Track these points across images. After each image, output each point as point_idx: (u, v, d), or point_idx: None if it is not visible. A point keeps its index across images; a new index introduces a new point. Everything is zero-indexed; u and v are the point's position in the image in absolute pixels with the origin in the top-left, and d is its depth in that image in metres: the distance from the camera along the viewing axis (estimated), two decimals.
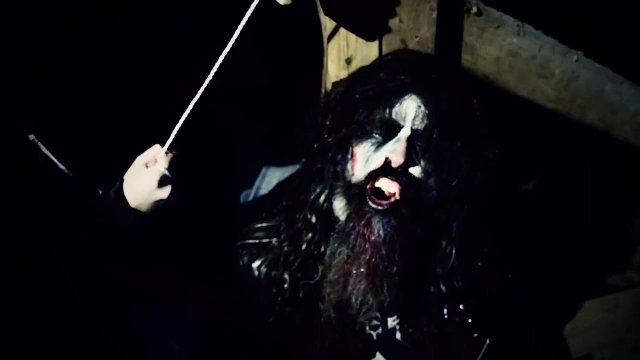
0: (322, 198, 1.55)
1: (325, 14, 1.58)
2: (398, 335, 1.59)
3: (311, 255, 1.57)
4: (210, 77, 1.42)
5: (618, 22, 2.19)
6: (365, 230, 1.41)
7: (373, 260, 1.41)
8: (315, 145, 1.56)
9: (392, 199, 1.41)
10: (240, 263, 1.69)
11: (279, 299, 1.60)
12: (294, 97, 1.76)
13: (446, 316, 1.57)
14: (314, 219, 1.56)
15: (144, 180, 1.45)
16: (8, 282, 1.49)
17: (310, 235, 1.56)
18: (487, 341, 1.61)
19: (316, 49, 1.69)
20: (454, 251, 1.51)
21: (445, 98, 1.44)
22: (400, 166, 1.41)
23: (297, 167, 1.73)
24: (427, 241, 1.50)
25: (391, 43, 1.61)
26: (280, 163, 2.02)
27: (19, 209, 1.49)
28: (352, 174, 1.48)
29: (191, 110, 1.43)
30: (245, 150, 2.08)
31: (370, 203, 1.41)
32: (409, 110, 1.44)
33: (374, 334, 1.59)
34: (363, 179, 1.45)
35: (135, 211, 1.46)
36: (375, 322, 1.59)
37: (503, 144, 1.52)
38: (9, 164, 1.52)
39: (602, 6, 2.16)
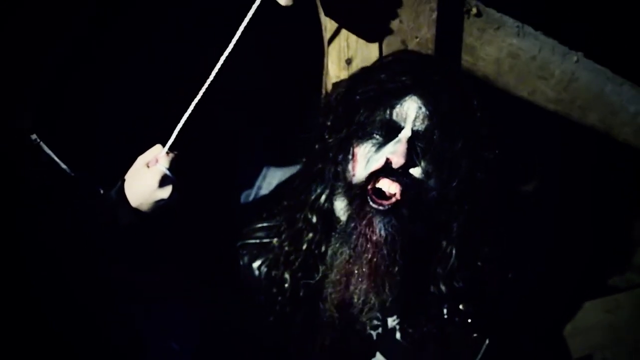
0: (323, 198, 1.56)
1: (326, 14, 1.58)
2: (398, 335, 1.59)
3: (312, 255, 1.57)
4: (211, 77, 1.42)
5: (618, 23, 2.20)
6: (367, 230, 1.41)
7: (375, 260, 1.41)
8: (316, 146, 1.56)
9: (393, 200, 1.41)
10: (241, 263, 1.69)
11: (280, 298, 1.60)
12: (295, 98, 1.76)
13: (446, 316, 1.57)
14: (314, 219, 1.56)
15: (145, 180, 1.45)
16: (9, 282, 1.49)
17: (311, 235, 1.57)
18: (487, 341, 1.61)
19: (317, 50, 1.70)
20: (454, 251, 1.52)
21: (445, 99, 1.45)
22: (401, 167, 1.42)
23: (297, 167, 1.73)
24: (427, 241, 1.51)
25: (391, 44, 1.62)
26: (281, 163, 2.02)
27: (20, 209, 1.49)
28: (353, 175, 1.48)
29: (192, 111, 1.44)
30: (246, 151, 2.08)
31: (371, 203, 1.41)
32: (410, 112, 1.44)
33: (374, 333, 1.59)
34: (364, 179, 1.45)
35: (136, 211, 1.46)
36: (375, 322, 1.59)
37: (503, 145, 1.52)
38: (10, 163, 1.52)
39: (601, 7, 2.16)
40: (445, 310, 1.57)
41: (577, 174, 2.35)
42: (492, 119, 1.51)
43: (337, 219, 1.54)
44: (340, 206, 1.53)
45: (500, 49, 1.71)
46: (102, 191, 1.57)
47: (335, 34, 1.60)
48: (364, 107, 1.48)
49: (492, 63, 1.73)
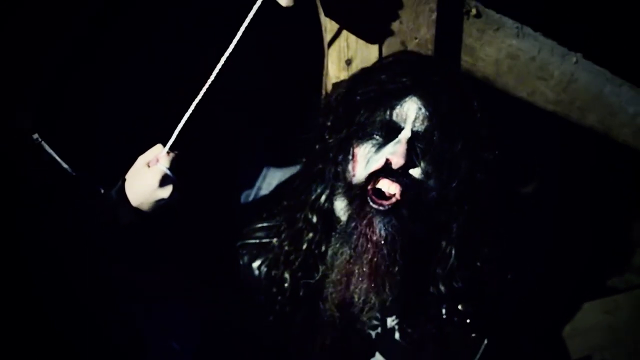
0: (323, 198, 1.56)
1: (326, 15, 1.58)
2: (397, 335, 1.59)
3: (312, 255, 1.57)
4: (212, 78, 1.42)
5: (617, 24, 2.20)
6: (368, 230, 1.41)
7: (375, 259, 1.41)
8: (317, 146, 1.57)
9: (393, 200, 1.41)
10: (241, 263, 1.69)
11: (280, 298, 1.60)
12: (295, 99, 1.77)
13: (445, 316, 1.58)
14: (314, 219, 1.56)
15: (146, 179, 1.45)
16: (10, 282, 1.49)
17: (311, 235, 1.57)
18: (485, 341, 1.61)
19: (317, 51, 1.70)
20: (453, 252, 1.52)
21: (445, 100, 1.45)
22: (401, 167, 1.42)
23: (297, 167, 1.73)
24: (427, 241, 1.51)
25: (391, 44, 1.62)
26: (281, 164, 2.03)
27: (21, 209, 1.49)
28: (353, 175, 1.49)
29: (193, 111, 1.44)
30: (246, 151, 2.09)
31: (371, 203, 1.41)
32: (410, 112, 1.44)
33: (373, 333, 1.60)
34: (364, 179, 1.45)
35: (136, 210, 1.46)
36: (374, 322, 1.59)
37: (503, 146, 1.53)
38: (11, 163, 1.53)
39: (601, 8, 2.17)
40: (444, 311, 1.58)
41: (576, 175, 2.36)
42: (492, 120, 1.51)
43: (337, 219, 1.54)
44: (341, 206, 1.53)
45: (499, 50, 1.71)
46: (102, 191, 1.57)
47: (336, 34, 1.60)
48: (364, 107, 1.48)
49: (491, 64, 1.73)
